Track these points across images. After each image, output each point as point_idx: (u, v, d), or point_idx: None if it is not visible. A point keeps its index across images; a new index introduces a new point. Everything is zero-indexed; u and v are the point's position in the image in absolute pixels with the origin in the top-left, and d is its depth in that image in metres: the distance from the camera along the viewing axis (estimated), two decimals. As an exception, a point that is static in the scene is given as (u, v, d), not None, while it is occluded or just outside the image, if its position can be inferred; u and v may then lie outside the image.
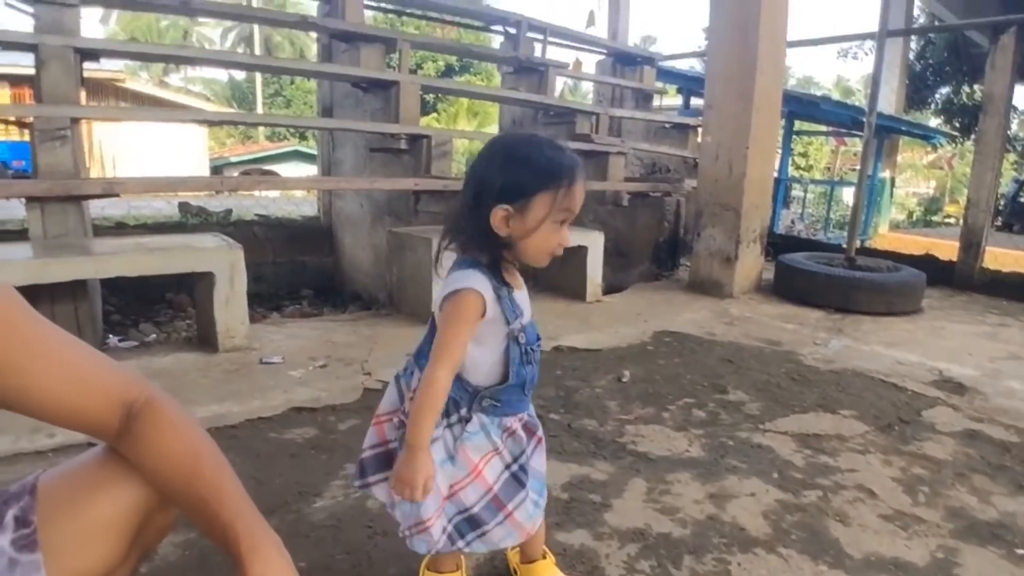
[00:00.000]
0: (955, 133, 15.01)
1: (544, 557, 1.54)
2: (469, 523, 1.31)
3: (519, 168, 1.19)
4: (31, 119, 3.32)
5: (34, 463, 1.99)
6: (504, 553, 1.61)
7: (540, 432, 1.39)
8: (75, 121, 3.41)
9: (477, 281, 1.22)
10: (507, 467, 1.32)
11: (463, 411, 1.30)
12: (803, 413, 2.74)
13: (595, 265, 4.64)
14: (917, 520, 1.95)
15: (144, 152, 16.77)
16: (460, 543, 1.32)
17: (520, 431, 1.33)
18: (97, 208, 5.20)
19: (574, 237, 4.44)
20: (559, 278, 4.69)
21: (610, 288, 5.06)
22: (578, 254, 4.55)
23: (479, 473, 1.30)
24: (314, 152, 14.33)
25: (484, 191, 1.20)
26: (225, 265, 3.02)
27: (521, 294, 1.31)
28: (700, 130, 5.96)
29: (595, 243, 4.63)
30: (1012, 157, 16.37)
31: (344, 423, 2.45)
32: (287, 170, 20.24)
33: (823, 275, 4.72)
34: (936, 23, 9.45)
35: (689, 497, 2.03)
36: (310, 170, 19.94)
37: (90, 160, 16.50)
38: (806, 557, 1.74)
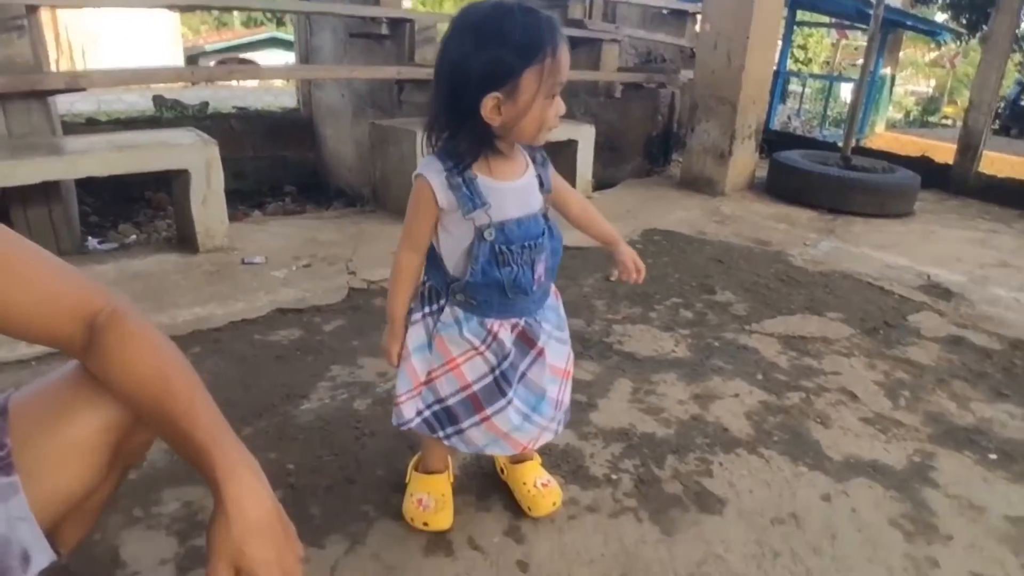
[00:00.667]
0: (961, 30, 14.46)
1: (532, 457, 1.56)
2: (446, 414, 1.32)
3: (497, 47, 1.06)
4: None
5: (16, 373, 1.96)
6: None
7: (543, 343, 1.32)
8: (32, 9, 3.15)
9: (428, 168, 1.18)
10: (492, 370, 1.29)
11: (442, 301, 1.28)
12: (790, 315, 2.75)
13: (586, 160, 4.51)
14: (897, 424, 1.98)
15: (114, 40, 15.90)
16: (439, 433, 1.34)
17: (504, 336, 1.28)
18: (66, 104, 4.97)
19: (565, 131, 4.34)
20: (548, 175, 4.57)
21: (600, 184, 4.97)
22: (568, 148, 4.42)
23: (456, 367, 1.28)
24: (292, 39, 13.68)
25: (464, 82, 1.09)
26: (200, 162, 2.89)
27: (509, 184, 1.21)
28: (699, 17, 5.67)
29: (586, 137, 4.48)
30: (1017, 58, 15.86)
31: (329, 324, 2.43)
32: (265, 58, 19.34)
33: (817, 174, 4.62)
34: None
35: (674, 398, 2.05)
36: (288, 58, 19.10)
37: (56, 50, 15.63)
38: (787, 458, 1.77)
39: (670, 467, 1.71)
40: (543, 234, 1.27)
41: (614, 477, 1.66)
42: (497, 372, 1.28)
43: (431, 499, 1.44)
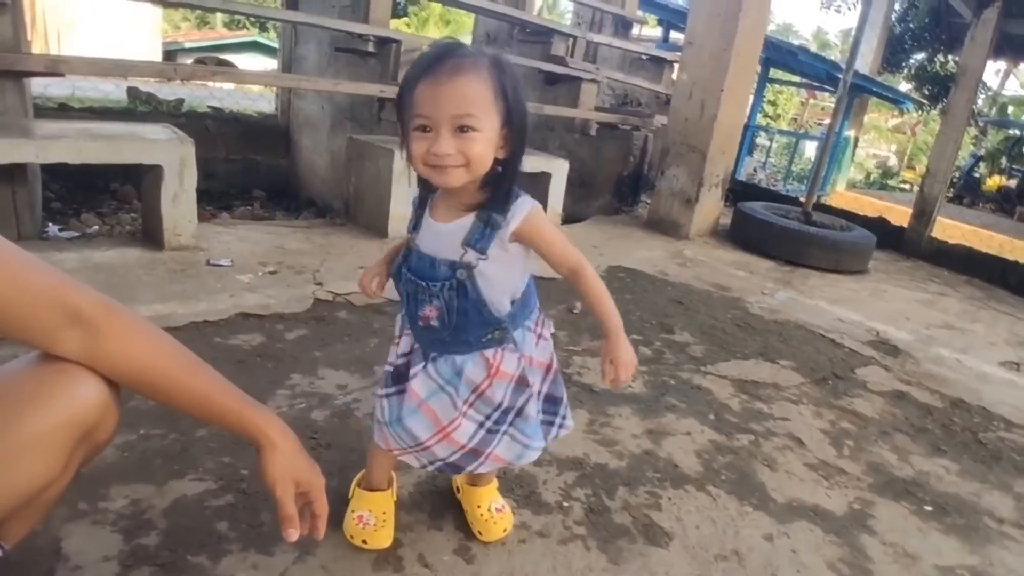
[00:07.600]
0: (923, 100, 15.18)
1: (490, 481, 1.57)
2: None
3: None
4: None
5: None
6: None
7: (411, 375, 1.30)
8: (16, -13, 3.11)
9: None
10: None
11: None
12: (744, 359, 2.83)
13: (557, 193, 4.60)
14: (839, 472, 2.05)
15: (92, 28, 15.65)
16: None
17: (404, 342, 1.36)
18: (39, 86, 4.88)
19: (539, 163, 4.42)
20: (520, 204, 4.62)
21: (569, 218, 5.05)
22: (541, 180, 4.50)
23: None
24: (275, 45, 13.62)
25: None
26: (175, 159, 2.87)
27: (440, 226, 1.24)
28: (677, 66, 5.85)
29: (559, 171, 4.57)
30: (972, 132, 16.69)
31: (292, 332, 2.41)
32: (245, 62, 19.22)
33: (779, 227, 4.79)
34: (922, -16, 9.36)
35: (628, 431, 2.09)
36: (269, 64, 19.02)
37: (33, 33, 15.31)
38: (733, 497, 1.82)
39: (620, 498, 1.74)
40: (437, 282, 1.24)
41: (565, 505, 1.68)
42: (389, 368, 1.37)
43: (372, 516, 1.44)
